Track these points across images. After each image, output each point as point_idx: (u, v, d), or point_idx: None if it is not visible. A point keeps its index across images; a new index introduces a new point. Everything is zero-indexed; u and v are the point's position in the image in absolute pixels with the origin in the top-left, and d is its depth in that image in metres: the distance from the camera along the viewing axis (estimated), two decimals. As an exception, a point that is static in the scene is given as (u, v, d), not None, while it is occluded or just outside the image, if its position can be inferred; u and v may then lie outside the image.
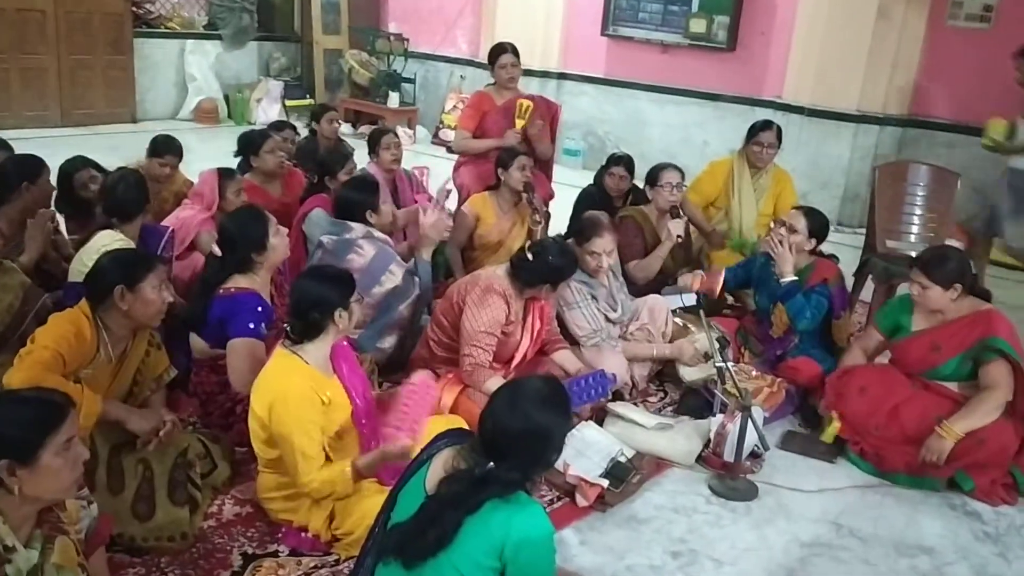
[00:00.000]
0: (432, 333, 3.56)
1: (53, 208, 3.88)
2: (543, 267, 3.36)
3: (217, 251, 3.29)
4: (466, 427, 2.68)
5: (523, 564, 1.88)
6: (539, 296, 3.46)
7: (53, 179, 3.95)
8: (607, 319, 3.83)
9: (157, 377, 2.88)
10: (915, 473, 3.31)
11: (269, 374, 2.60)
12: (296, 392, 2.51)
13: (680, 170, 4.47)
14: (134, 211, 3.57)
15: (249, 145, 4.54)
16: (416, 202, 4.74)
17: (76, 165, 4.04)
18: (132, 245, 3.40)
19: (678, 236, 4.28)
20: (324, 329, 2.62)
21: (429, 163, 7.17)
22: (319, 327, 2.62)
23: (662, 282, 4.43)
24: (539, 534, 1.90)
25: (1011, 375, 3.28)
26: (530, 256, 3.37)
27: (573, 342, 3.74)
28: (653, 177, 4.44)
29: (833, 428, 3.49)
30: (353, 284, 2.72)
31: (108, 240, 3.40)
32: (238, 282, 3.15)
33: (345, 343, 2.81)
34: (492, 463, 1.89)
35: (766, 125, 4.92)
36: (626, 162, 4.94)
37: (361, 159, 4.88)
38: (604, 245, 3.73)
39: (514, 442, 1.90)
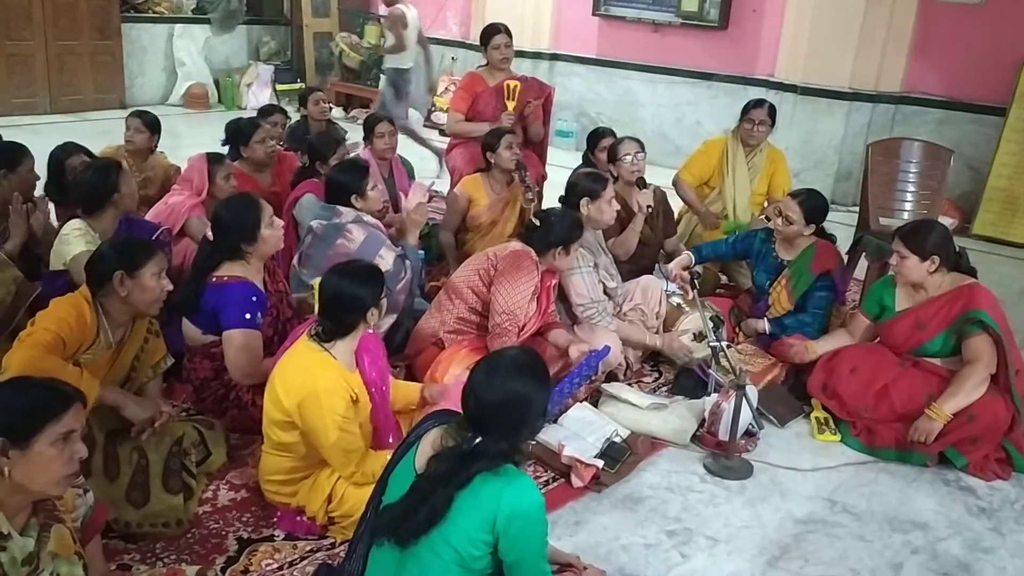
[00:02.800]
0: (449, 302, 3.54)
1: (43, 194, 3.86)
2: (551, 229, 3.43)
3: (211, 236, 3.26)
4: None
5: (515, 535, 1.90)
6: (552, 265, 3.47)
7: (42, 166, 3.93)
8: (605, 290, 3.84)
9: (154, 364, 2.88)
10: (904, 448, 3.32)
11: (299, 368, 2.54)
12: (328, 390, 2.48)
13: (638, 140, 4.45)
14: (96, 203, 3.41)
15: (238, 134, 4.47)
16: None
17: (68, 151, 4.01)
18: (94, 236, 3.31)
19: (648, 206, 4.27)
20: (356, 328, 2.61)
21: (420, 148, 7.16)
22: (351, 327, 2.60)
23: (647, 255, 4.45)
24: (530, 504, 1.92)
25: (993, 348, 3.26)
26: (536, 222, 3.47)
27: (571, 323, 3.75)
28: (613, 153, 4.44)
29: (818, 413, 3.55)
30: (383, 280, 2.67)
31: (68, 231, 3.34)
32: (230, 270, 3.10)
33: (369, 331, 2.76)
34: (479, 438, 1.91)
35: (758, 103, 4.91)
36: (612, 133, 4.96)
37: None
38: (612, 193, 3.88)
39: (496, 413, 1.93)
